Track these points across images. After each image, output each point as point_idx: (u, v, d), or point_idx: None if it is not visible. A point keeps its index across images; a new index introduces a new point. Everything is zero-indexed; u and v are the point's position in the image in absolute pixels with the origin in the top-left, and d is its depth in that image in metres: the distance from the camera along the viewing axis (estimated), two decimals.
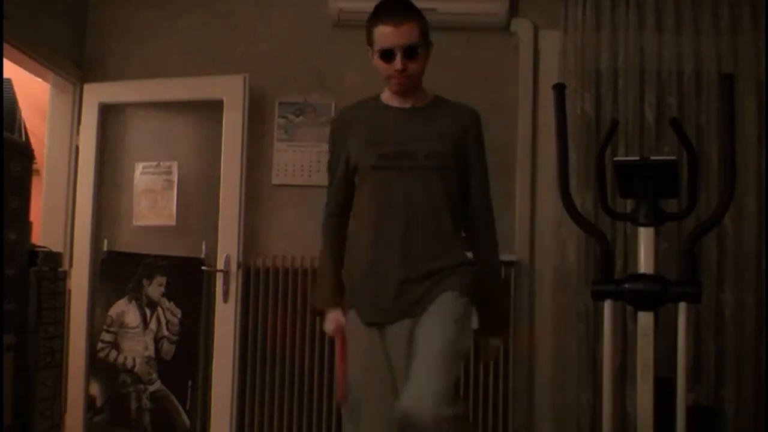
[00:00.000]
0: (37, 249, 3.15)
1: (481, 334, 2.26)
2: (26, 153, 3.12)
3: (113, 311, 3.74)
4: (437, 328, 2.04)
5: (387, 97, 2.24)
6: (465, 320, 2.12)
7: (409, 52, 2.08)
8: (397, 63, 2.08)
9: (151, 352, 3.69)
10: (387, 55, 2.09)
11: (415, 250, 2.12)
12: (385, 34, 2.07)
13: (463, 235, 2.27)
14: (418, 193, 2.12)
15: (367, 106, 2.26)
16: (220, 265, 3.63)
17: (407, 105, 2.20)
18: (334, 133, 2.32)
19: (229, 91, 3.69)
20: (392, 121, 2.12)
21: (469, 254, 2.27)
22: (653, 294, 2.77)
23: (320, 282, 2.33)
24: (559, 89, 3.02)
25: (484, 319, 2.25)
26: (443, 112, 2.22)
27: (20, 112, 3.81)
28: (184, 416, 3.64)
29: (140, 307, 3.73)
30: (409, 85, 2.16)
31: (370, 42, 2.16)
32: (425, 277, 2.12)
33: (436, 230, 2.14)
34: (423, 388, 1.93)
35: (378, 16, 2.10)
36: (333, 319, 2.20)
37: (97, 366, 3.73)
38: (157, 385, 3.67)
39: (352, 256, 2.24)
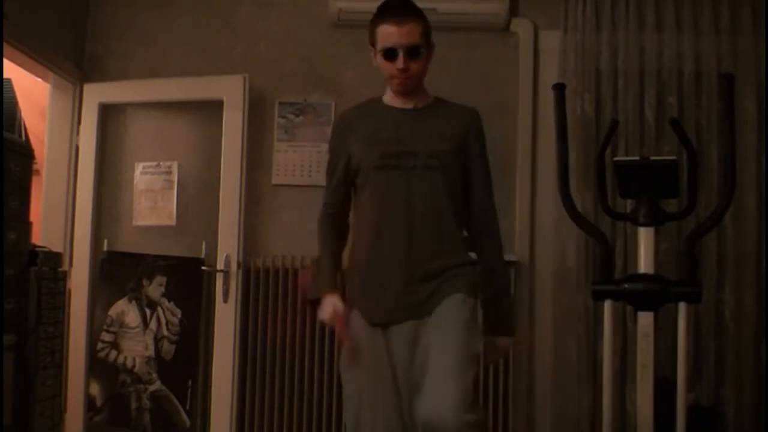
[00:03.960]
0: (37, 249, 3.15)
1: (489, 333, 2.25)
2: (26, 153, 3.12)
3: (113, 311, 3.74)
4: (449, 333, 2.03)
5: (389, 98, 2.24)
6: (474, 323, 2.12)
7: (412, 52, 2.08)
8: (400, 62, 2.08)
9: (151, 352, 3.69)
10: (390, 54, 2.09)
11: (418, 250, 2.12)
12: (389, 33, 2.08)
13: (466, 235, 2.27)
14: (420, 192, 2.12)
15: (369, 107, 2.26)
16: (220, 265, 3.63)
17: (409, 106, 2.20)
18: (336, 133, 2.32)
19: (229, 91, 3.69)
20: (394, 122, 2.12)
21: (473, 254, 2.27)
22: (653, 294, 2.77)
23: (317, 275, 2.30)
24: (559, 89, 3.02)
25: (492, 318, 2.24)
26: (445, 112, 2.22)
27: (20, 112, 3.81)
28: (184, 416, 3.64)
29: (140, 307, 3.73)
30: (411, 86, 2.16)
31: (372, 42, 2.16)
32: (430, 277, 2.11)
33: (439, 230, 2.14)
34: (444, 396, 1.93)
35: (381, 15, 2.11)
36: (330, 303, 2.14)
37: (97, 366, 3.73)
38: (157, 385, 3.67)
39: (355, 256, 2.23)
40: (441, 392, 1.93)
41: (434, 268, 2.11)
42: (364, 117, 2.22)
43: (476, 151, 2.23)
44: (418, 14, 2.11)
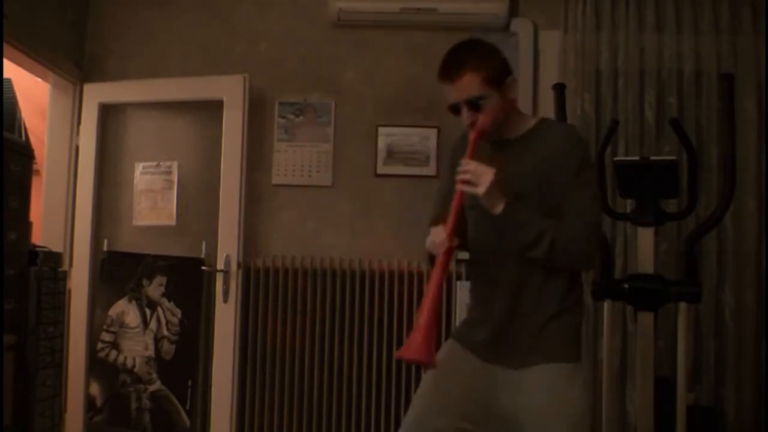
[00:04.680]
0: (37, 249, 3.15)
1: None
2: (26, 153, 3.12)
3: (113, 311, 3.74)
4: (554, 410, 1.94)
5: None
6: (580, 393, 2.00)
7: (472, 106, 1.98)
8: (464, 118, 2.00)
9: (151, 352, 3.69)
10: (455, 110, 2.02)
11: (513, 295, 2.02)
12: (447, 91, 2.01)
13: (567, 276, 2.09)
14: (509, 237, 1.98)
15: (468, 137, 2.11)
16: (220, 265, 3.63)
17: (499, 137, 2.08)
18: (449, 155, 2.23)
19: (229, 91, 3.69)
20: (483, 159, 1.98)
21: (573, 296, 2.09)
22: (653, 294, 2.77)
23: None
24: (559, 89, 3.03)
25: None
26: (537, 142, 2.06)
27: (20, 112, 3.81)
28: (184, 416, 3.64)
29: (140, 307, 3.73)
30: (489, 134, 2.04)
31: None
32: (519, 325, 2.01)
33: (535, 273, 2.01)
34: None
35: (438, 72, 2.02)
36: (437, 232, 1.97)
37: (97, 366, 3.73)
38: (157, 385, 3.67)
39: (470, 288, 2.21)
40: None
41: (525, 309, 2.01)
42: (464, 149, 2.07)
43: (570, 173, 1.99)
44: (472, 65, 1.97)
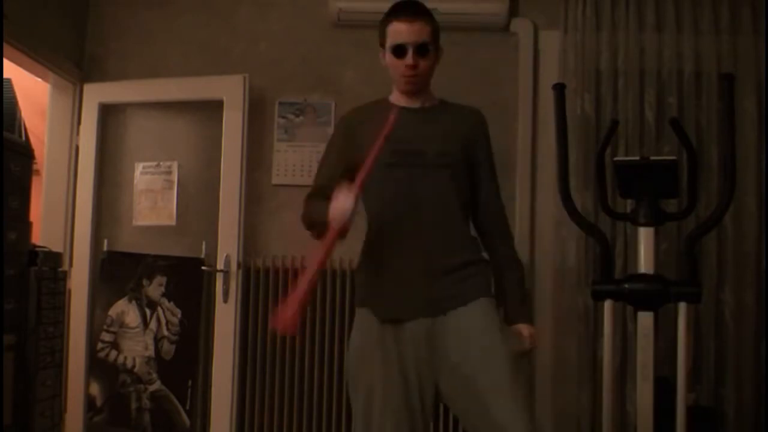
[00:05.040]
0: (37, 249, 3.15)
1: (513, 323, 2.22)
2: (26, 153, 3.12)
3: (113, 311, 3.74)
4: (497, 344, 2.05)
5: (395, 97, 2.26)
6: (504, 326, 2.15)
7: (421, 50, 2.13)
8: (409, 58, 2.12)
9: (151, 352, 3.69)
10: (399, 51, 2.13)
11: (430, 246, 2.13)
12: (399, 30, 2.13)
13: (474, 234, 2.28)
14: (429, 190, 2.14)
15: (376, 106, 2.26)
16: (220, 265, 3.63)
17: (416, 105, 2.22)
18: (342, 129, 2.31)
19: (229, 91, 3.69)
20: (401, 121, 2.12)
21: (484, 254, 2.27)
22: (653, 294, 2.77)
23: (314, 211, 2.14)
24: (559, 89, 3.03)
25: (515, 308, 2.23)
26: (450, 113, 2.25)
27: (20, 112, 3.81)
28: (184, 416, 3.64)
29: (140, 307, 3.73)
30: (419, 84, 2.19)
31: (382, 42, 2.19)
32: (444, 274, 2.12)
33: (449, 226, 2.16)
34: (515, 409, 1.96)
35: (392, 14, 2.16)
36: (346, 199, 1.95)
37: (97, 366, 3.73)
38: (157, 385, 3.67)
39: (366, 254, 2.24)
40: (512, 406, 1.96)
41: (448, 265, 2.13)
42: (372, 115, 2.21)
43: (483, 153, 2.26)
44: (428, 15, 2.17)
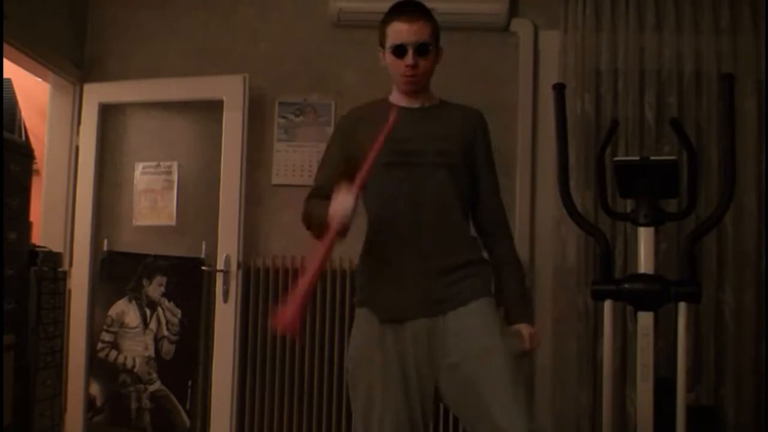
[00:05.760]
0: (37, 249, 3.15)
1: (514, 324, 2.21)
2: (26, 153, 3.12)
3: (113, 311, 3.75)
4: (497, 344, 2.04)
5: (395, 97, 2.25)
6: (505, 326, 2.15)
7: (421, 49, 2.13)
8: (409, 58, 2.12)
9: (151, 352, 3.69)
10: (399, 50, 2.13)
11: (429, 245, 2.13)
12: (399, 30, 2.13)
13: (473, 234, 2.28)
14: (429, 190, 2.14)
15: (376, 106, 2.26)
16: (220, 265, 3.63)
17: (416, 105, 2.22)
18: (342, 129, 2.31)
19: (229, 91, 3.69)
20: (401, 121, 2.12)
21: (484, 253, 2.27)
22: (653, 294, 2.77)
23: (313, 211, 2.13)
24: (559, 89, 3.03)
25: (516, 308, 2.23)
26: (450, 113, 2.25)
27: (20, 112, 3.82)
28: (184, 416, 3.64)
29: (140, 307, 3.73)
30: (419, 84, 2.19)
31: (382, 42, 2.19)
32: (444, 274, 2.12)
33: (448, 226, 2.16)
34: (515, 410, 1.95)
35: (392, 14, 2.16)
36: (345, 199, 1.95)
37: (97, 366, 3.73)
38: (157, 385, 3.67)
39: (366, 254, 2.24)
40: (512, 405, 1.96)
41: (448, 265, 2.12)
42: (372, 115, 2.21)
43: (483, 153, 2.26)
44: (428, 14, 2.17)
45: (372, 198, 2.19)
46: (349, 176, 2.07)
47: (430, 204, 2.13)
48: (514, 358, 2.05)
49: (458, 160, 2.18)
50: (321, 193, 2.16)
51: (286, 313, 1.94)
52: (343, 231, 1.97)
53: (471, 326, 2.07)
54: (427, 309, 2.10)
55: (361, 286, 2.26)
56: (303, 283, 1.97)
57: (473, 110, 2.30)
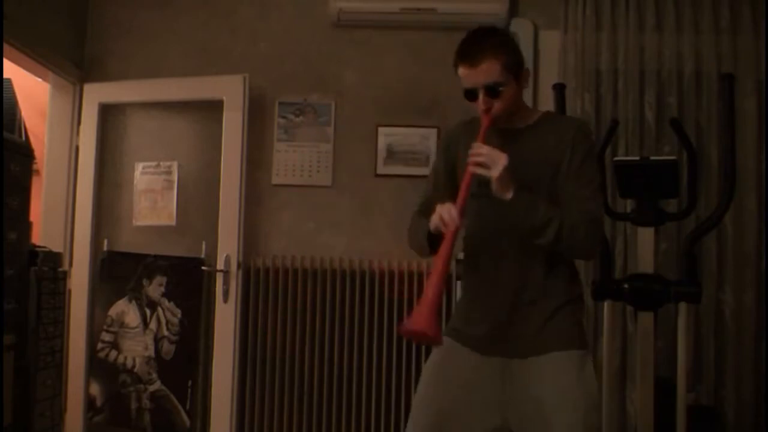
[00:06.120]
0: (37, 249, 3.15)
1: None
2: (26, 153, 3.12)
3: (113, 311, 3.75)
4: (573, 405, 1.92)
5: None
6: (591, 380, 1.99)
7: (491, 91, 1.97)
8: (480, 103, 1.99)
9: (151, 352, 3.69)
10: (470, 95, 2.01)
11: (515, 280, 2.01)
12: (464, 74, 1.99)
13: (571, 264, 2.10)
14: (508, 224, 1.99)
15: (473, 126, 2.12)
16: (220, 265, 3.63)
17: (508, 126, 2.07)
18: (443, 142, 2.24)
19: (229, 91, 3.69)
20: (493, 146, 1.97)
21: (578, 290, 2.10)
22: (653, 294, 2.77)
23: (417, 229, 2.08)
24: (559, 89, 3.03)
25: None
26: (546, 132, 2.06)
27: (20, 112, 3.81)
28: (184, 416, 3.64)
29: (140, 307, 3.73)
30: (501, 120, 2.03)
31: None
32: (529, 310, 2.00)
33: (537, 259, 2.01)
34: None
35: (457, 56, 2.01)
36: (446, 209, 1.90)
37: (97, 366, 3.73)
38: (157, 385, 3.67)
39: (463, 283, 2.19)
40: None
41: (533, 301, 2.00)
42: (468, 133, 2.09)
43: (572, 165, 2.00)
44: (495, 50, 1.96)
45: (466, 225, 2.09)
46: (452, 190, 2.01)
47: (516, 236, 1.99)
48: (588, 416, 1.94)
49: (547, 185, 2.00)
50: (423, 210, 2.12)
51: (420, 318, 1.83)
52: (456, 230, 1.89)
53: (547, 380, 1.95)
54: (505, 348, 2.01)
55: (455, 312, 2.20)
56: (429, 286, 1.88)
57: (569, 124, 2.09)
